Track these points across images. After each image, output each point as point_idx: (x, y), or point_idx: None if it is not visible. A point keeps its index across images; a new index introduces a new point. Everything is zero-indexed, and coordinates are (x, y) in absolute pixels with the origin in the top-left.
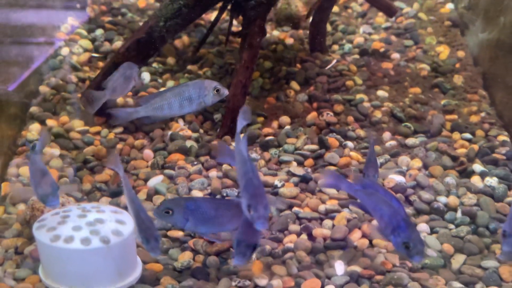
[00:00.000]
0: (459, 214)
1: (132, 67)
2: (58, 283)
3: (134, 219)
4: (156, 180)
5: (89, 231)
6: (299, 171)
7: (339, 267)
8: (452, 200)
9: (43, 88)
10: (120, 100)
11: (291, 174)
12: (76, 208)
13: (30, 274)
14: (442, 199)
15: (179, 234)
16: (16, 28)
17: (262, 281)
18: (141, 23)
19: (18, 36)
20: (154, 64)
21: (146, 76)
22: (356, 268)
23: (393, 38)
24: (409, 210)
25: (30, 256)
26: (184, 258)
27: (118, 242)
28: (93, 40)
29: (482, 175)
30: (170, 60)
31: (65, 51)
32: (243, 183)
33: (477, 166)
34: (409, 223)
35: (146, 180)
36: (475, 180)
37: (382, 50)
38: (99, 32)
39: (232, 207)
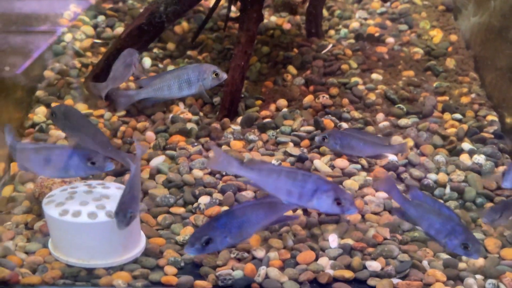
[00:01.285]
0: (447, 190)
1: (132, 54)
2: (67, 255)
3: (125, 191)
4: (158, 160)
5: (96, 205)
6: (296, 151)
7: (333, 240)
8: (442, 177)
9: (48, 73)
10: (122, 85)
11: (287, 154)
12: (83, 185)
13: (40, 247)
14: (432, 176)
15: (180, 210)
16: (20, 16)
17: (260, 253)
18: (141, 10)
19: (23, 23)
20: (155, 50)
21: (147, 61)
22: (348, 241)
23: (388, 23)
24: (400, 186)
25: (39, 231)
26: (186, 232)
27: None
28: (95, 27)
29: (471, 153)
30: (170, 46)
31: (68, 37)
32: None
33: (466, 145)
34: (464, 227)
35: (148, 160)
36: (464, 158)
37: (377, 34)
38: (100, 18)
39: (261, 206)
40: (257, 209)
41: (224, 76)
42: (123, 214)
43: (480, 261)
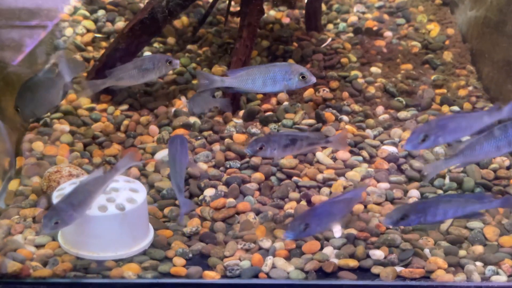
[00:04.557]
0: (447, 180)
1: (160, 60)
2: (77, 248)
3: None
4: (163, 154)
5: (106, 199)
6: None
7: (337, 230)
8: None
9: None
10: None
11: None
12: None
13: (49, 240)
14: None
15: None
16: (22, 10)
17: (266, 244)
18: (141, 4)
19: (20, 18)
20: (155, 44)
21: None
22: (352, 231)
23: (386, 16)
24: (401, 177)
25: None
26: (193, 224)
27: (132, 209)
28: (95, 21)
29: None
30: (171, 40)
31: (69, 31)
32: None
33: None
34: None
35: (153, 154)
36: None
37: (375, 28)
38: (101, 13)
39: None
40: (338, 204)
41: (312, 80)
42: (48, 219)
43: (479, 249)
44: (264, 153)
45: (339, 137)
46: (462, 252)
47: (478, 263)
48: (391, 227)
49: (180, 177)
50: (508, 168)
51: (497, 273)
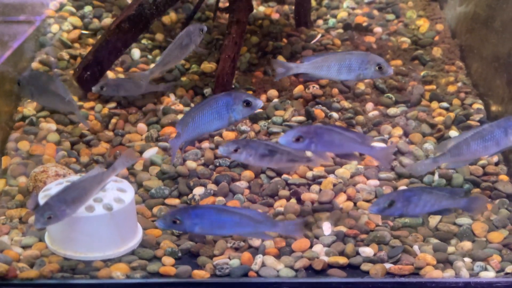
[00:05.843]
0: (436, 177)
1: (192, 32)
2: (64, 248)
3: None
4: (152, 152)
5: (93, 199)
6: None
7: (326, 228)
8: None
9: (36, 65)
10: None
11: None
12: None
13: (36, 241)
14: None
15: (176, 201)
16: (6, 6)
17: (256, 242)
18: (128, 0)
19: (6, 13)
20: (143, 41)
21: (136, 53)
22: (342, 229)
23: (375, 12)
24: (390, 174)
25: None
26: None
27: (120, 209)
28: (82, 17)
29: None
30: (159, 36)
31: (55, 28)
32: None
33: (453, 133)
34: None
35: (141, 152)
36: None
37: (365, 24)
38: (87, 9)
39: (237, 215)
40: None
41: (389, 71)
42: (41, 214)
43: (468, 245)
44: (238, 157)
45: (320, 156)
46: (450, 249)
47: (467, 259)
48: (376, 214)
49: None
50: (496, 164)
51: (486, 269)
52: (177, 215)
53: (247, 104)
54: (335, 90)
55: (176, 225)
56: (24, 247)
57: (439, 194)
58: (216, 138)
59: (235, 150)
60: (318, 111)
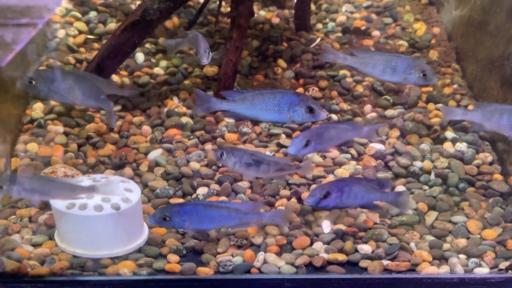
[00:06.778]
0: (432, 176)
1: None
2: (73, 246)
3: None
4: (156, 153)
5: (101, 199)
6: (288, 142)
7: (326, 226)
8: (427, 164)
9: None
10: (117, 79)
11: (280, 146)
12: (87, 178)
13: (46, 240)
14: (418, 163)
15: (180, 201)
16: (14, 11)
17: (258, 240)
18: (132, 6)
19: (15, 18)
20: (147, 45)
21: (140, 57)
22: (341, 227)
23: (374, 16)
24: (387, 174)
25: (44, 223)
26: None
27: (127, 208)
28: (87, 23)
29: (454, 141)
30: (162, 41)
31: (61, 33)
32: None
33: (449, 133)
34: None
35: (146, 154)
36: (447, 146)
37: (363, 28)
38: (92, 14)
39: (225, 208)
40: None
41: (434, 79)
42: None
43: (463, 242)
44: (225, 163)
45: (307, 164)
46: (446, 246)
47: (462, 256)
48: (312, 206)
49: None
50: (490, 163)
51: (480, 265)
52: (166, 212)
53: (310, 110)
54: (334, 93)
55: (166, 222)
56: (35, 245)
57: (368, 186)
58: (219, 139)
59: (221, 155)
60: None
